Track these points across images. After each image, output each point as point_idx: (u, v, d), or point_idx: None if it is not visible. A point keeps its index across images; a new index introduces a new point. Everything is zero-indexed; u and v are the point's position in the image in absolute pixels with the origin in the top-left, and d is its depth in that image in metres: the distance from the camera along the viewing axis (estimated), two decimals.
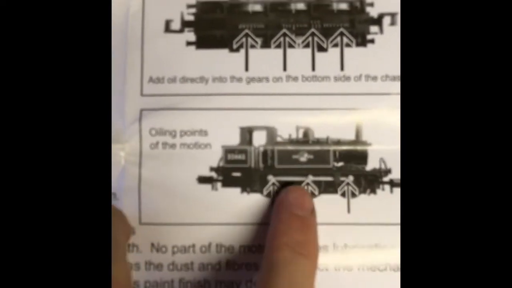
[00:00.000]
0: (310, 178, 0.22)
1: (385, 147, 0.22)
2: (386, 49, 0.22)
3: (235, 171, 0.22)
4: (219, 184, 0.22)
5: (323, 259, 0.21)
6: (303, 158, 0.22)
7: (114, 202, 0.22)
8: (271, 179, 0.22)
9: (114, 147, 0.22)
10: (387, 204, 0.21)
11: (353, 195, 0.22)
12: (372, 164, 0.22)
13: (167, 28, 0.22)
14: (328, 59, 0.22)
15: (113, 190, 0.22)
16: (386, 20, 0.22)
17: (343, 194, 0.22)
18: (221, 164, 0.22)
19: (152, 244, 0.21)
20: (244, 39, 0.22)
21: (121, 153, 0.22)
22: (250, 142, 0.22)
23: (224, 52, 0.22)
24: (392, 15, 0.22)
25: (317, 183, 0.22)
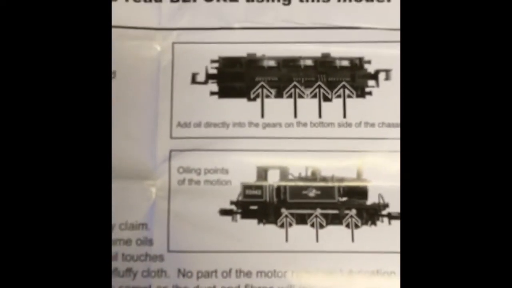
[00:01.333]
0: (318, 211, 0.24)
1: (383, 184, 0.24)
2: (382, 100, 0.25)
3: (252, 204, 0.24)
4: (238, 216, 0.24)
5: (330, 283, 0.23)
6: (312, 193, 0.25)
7: (145, 233, 0.24)
8: (284, 211, 0.24)
9: (146, 183, 0.24)
10: (386, 234, 0.24)
11: (356, 226, 0.24)
12: (372, 199, 0.25)
13: (193, 80, 0.25)
14: (333, 108, 0.25)
15: (144, 221, 0.24)
16: (382, 76, 0.25)
17: (347, 225, 0.24)
18: (240, 198, 0.24)
19: (179, 270, 0.24)
20: (260, 90, 0.25)
21: (152, 189, 0.24)
22: (265, 179, 0.25)
23: (243, 101, 0.25)
24: (387, 71, 0.25)
25: (325, 215, 0.24)
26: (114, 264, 0.23)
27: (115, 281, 0.23)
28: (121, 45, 0.25)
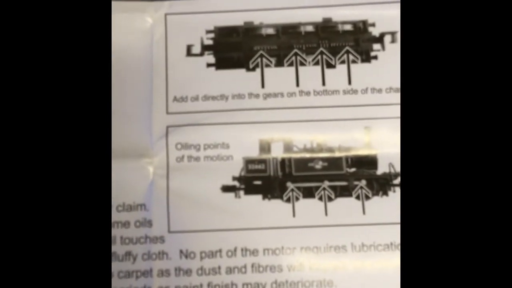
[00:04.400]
0: (326, 183, 0.23)
1: (393, 152, 0.23)
2: (388, 64, 0.23)
3: (256, 179, 0.23)
4: (241, 192, 0.23)
5: (342, 259, 0.22)
6: (318, 165, 0.23)
7: (144, 213, 0.22)
8: (290, 185, 0.23)
9: (143, 162, 0.23)
10: (398, 204, 0.22)
11: (367, 197, 0.22)
12: (382, 168, 0.23)
13: (189, 52, 0.24)
14: (337, 74, 0.23)
15: (143, 201, 0.22)
16: (387, 38, 0.24)
17: (357, 197, 0.22)
18: (243, 174, 0.23)
19: (181, 251, 0.22)
20: (259, 60, 0.24)
21: (149, 167, 0.23)
22: (268, 152, 0.23)
23: (242, 71, 0.24)
24: (392, 33, 0.24)
25: (333, 187, 0.23)
26: (112, 248, 0.22)
27: (114, 265, 0.22)
28: (111, 20, 0.23)
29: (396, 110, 0.23)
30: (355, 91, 0.23)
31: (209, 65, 0.24)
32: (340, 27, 0.24)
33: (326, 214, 0.22)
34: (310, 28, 0.24)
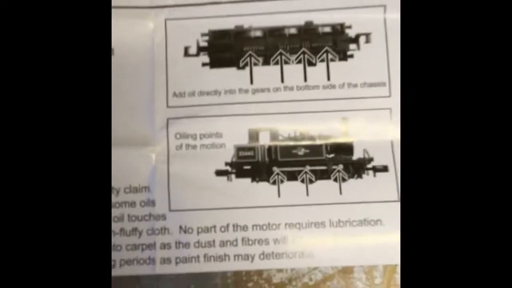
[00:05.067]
0: (308, 168, 0.25)
1: (367, 140, 0.25)
2: (363, 62, 0.26)
3: (246, 165, 0.25)
4: (233, 176, 0.25)
5: (322, 233, 0.24)
6: (301, 152, 0.26)
7: (148, 195, 0.25)
8: (276, 169, 0.25)
9: (147, 149, 0.25)
10: (371, 185, 0.25)
11: (344, 179, 0.25)
12: (357, 154, 0.25)
13: (186, 53, 0.26)
14: (317, 71, 0.26)
15: (147, 184, 0.25)
16: (362, 39, 0.26)
17: (335, 180, 0.25)
18: (234, 159, 0.25)
19: (180, 227, 0.25)
20: (248, 59, 0.26)
21: (152, 155, 0.25)
22: (257, 140, 0.26)
23: (233, 70, 0.26)
24: (367, 34, 0.26)
25: (314, 171, 0.25)
26: (121, 225, 0.25)
27: (123, 240, 0.25)
28: (117, 25, 0.26)
29: (370, 103, 0.26)
30: (333, 86, 0.26)
31: (204, 64, 0.26)
32: (320, 30, 0.26)
33: (307, 194, 0.25)
34: (293, 31, 0.27)
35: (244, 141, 0.26)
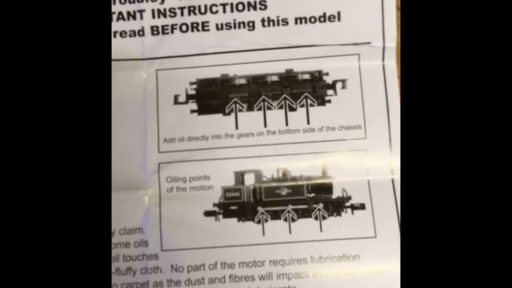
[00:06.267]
0: (290, 207, 0.27)
1: (345, 180, 0.27)
2: (340, 106, 0.28)
3: (232, 205, 0.27)
4: (220, 216, 0.27)
5: (303, 269, 0.26)
6: (284, 192, 0.27)
7: (141, 235, 0.27)
8: (260, 209, 0.27)
9: (139, 193, 0.27)
10: (350, 223, 0.27)
11: (324, 217, 0.27)
12: (336, 193, 0.27)
13: (176, 101, 0.28)
14: (297, 116, 0.28)
15: (140, 226, 0.27)
16: (339, 85, 0.28)
17: (316, 218, 0.27)
18: (221, 200, 0.27)
19: (172, 266, 0.26)
20: (233, 105, 0.28)
21: (145, 197, 0.27)
22: (242, 182, 0.27)
23: (219, 116, 0.28)
24: (343, 81, 0.28)
25: (296, 210, 0.27)
26: (116, 265, 0.26)
27: (118, 279, 0.26)
28: (113, 76, 0.28)
29: (347, 145, 0.27)
30: (313, 130, 0.28)
31: (192, 111, 0.28)
32: (300, 77, 0.28)
33: (290, 232, 0.27)
34: (275, 78, 0.28)
35: (230, 182, 0.27)
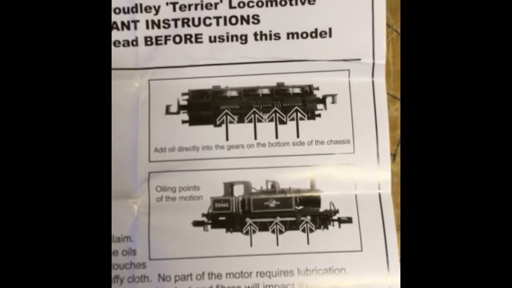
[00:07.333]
0: (278, 219, 0.27)
1: (333, 193, 0.27)
2: (329, 120, 0.28)
3: (221, 216, 0.27)
4: (209, 226, 0.27)
5: (290, 281, 0.26)
6: (272, 204, 0.27)
7: (129, 244, 0.27)
8: (249, 220, 0.27)
9: (129, 202, 0.27)
10: (337, 236, 0.27)
11: (311, 230, 0.27)
12: (324, 206, 0.27)
13: (167, 111, 0.28)
14: (287, 129, 0.28)
15: (129, 234, 0.27)
16: (329, 100, 0.28)
17: (303, 230, 0.27)
18: (210, 211, 0.27)
19: (159, 275, 0.26)
20: (224, 117, 0.28)
21: (134, 206, 0.27)
22: (231, 193, 0.27)
23: (210, 127, 0.28)
24: (333, 95, 0.28)
25: (284, 222, 0.27)
26: None
27: None
28: None
29: (336, 159, 0.28)
30: (302, 143, 0.28)
31: (184, 121, 0.28)
32: (290, 90, 0.29)
33: (277, 244, 0.27)
34: (266, 91, 0.29)
35: (219, 193, 0.27)
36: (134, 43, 0.28)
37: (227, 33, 0.28)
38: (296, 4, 0.28)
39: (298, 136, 0.28)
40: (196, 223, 0.27)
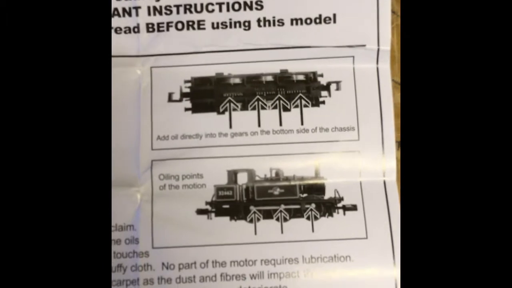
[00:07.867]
0: (282, 206, 0.27)
1: (338, 181, 0.27)
2: (334, 108, 0.28)
3: (224, 204, 0.27)
4: (213, 215, 0.27)
5: (295, 269, 0.26)
6: (276, 192, 0.27)
7: (132, 233, 0.26)
8: (253, 208, 0.27)
9: (132, 190, 0.27)
10: (342, 224, 0.26)
11: (316, 218, 0.27)
12: (328, 194, 0.27)
13: (170, 99, 0.28)
14: (291, 116, 0.28)
15: (131, 223, 0.26)
16: (333, 87, 0.28)
17: (308, 218, 0.27)
18: (214, 199, 0.27)
19: (163, 263, 0.26)
20: (228, 104, 0.28)
21: (137, 195, 0.27)
22: (235, 181, 0.27)
23: (213, 114, 0.28)
24: (337, 82, 0.28)
25: (288, 210, 0.27)
26: None
27: None
28: None
29: (340, 146, 0.27)
30: (306, 130, 0.28)
31: (186, 109, 0.28)
32: (294, 77, 0.28)
33: (282, 232, 0.26)
34: (270, 78, 0.28)
35: (223, 181, 0.27)
36: (136, 30, 0.28)
37: (230, 19, 0.28)
38: None
39: (302, 124, 0.28)
40: (200, 211, 0.27)
